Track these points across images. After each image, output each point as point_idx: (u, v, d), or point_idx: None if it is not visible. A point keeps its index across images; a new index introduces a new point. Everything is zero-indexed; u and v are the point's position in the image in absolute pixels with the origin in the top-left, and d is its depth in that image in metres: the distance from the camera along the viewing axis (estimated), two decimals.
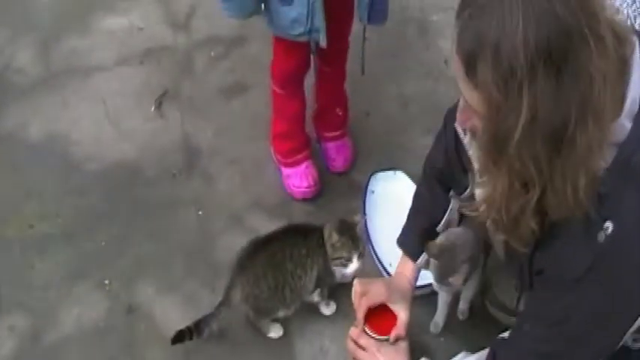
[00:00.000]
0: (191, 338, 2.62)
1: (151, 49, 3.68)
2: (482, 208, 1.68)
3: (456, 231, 2.38)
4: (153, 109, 3.43)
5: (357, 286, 2.37)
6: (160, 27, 3.78)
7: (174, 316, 2.75)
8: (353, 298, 2.38)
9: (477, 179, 1.86)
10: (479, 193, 1.82)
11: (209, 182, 3.16)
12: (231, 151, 3.26)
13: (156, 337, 2.71)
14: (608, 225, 1.53)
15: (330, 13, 2.56)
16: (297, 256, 2.61)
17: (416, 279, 2.44)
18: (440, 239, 2.35)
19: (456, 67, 1.49)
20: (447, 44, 3.51)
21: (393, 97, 3.47)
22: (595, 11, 1.40)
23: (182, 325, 2.64)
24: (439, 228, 2.34)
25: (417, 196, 2.44)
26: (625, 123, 1.53)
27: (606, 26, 1.42)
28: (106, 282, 2.85)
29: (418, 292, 2.54)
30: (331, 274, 2.66)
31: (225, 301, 2.65)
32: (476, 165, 1.81)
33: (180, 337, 2.61)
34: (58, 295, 2.82)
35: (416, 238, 2.38)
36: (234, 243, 2.92)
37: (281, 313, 2.68)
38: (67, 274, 2.87)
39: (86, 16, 3.84)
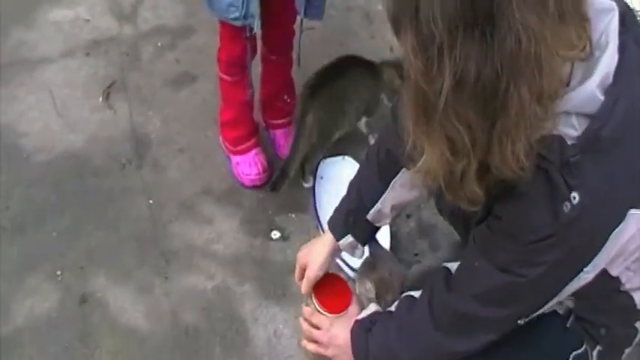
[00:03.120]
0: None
1: (98, 40, 3.67)
2: (421, 176, 1.61)
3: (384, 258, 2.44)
4: (101, 100, 3.42)
5: (299, 258, 2.39)
6: (106, 18, 3.77)
7: (128, 305, 2.77)
8: (296, 272, 2.40)
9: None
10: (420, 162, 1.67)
11: (159, 171, 3.17)
12: (180, 140, 3.28)
13: (110, 326, 2.72)
14: (575, 195, 1.51)
15: (268, 1, 2.61)
16: (355, 85, 2.92)
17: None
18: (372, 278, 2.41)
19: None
20: (391, 33, 3.56)
21: None
22: None
23: (134, 314, 2.68)
24: (369, 216, 2.28)
25: (352, 180, 2.38)
26: (597, 94, 1.49)
27: None
28: (58, 273, 2.85)
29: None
30: (378, 103, 3.05)
31: (300, 129, 2.94)
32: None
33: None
34: (9, 287, 2.81)
35: (341, 217, 2.33)
36: (185, 231, 2.96)
37: (335, 136, 3.05)
38: (19, 266, 2.86)
39: (32, 9, 3.81)
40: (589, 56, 1.49)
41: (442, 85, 1.36)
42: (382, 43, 3.68)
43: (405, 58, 1.44)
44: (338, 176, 3.06)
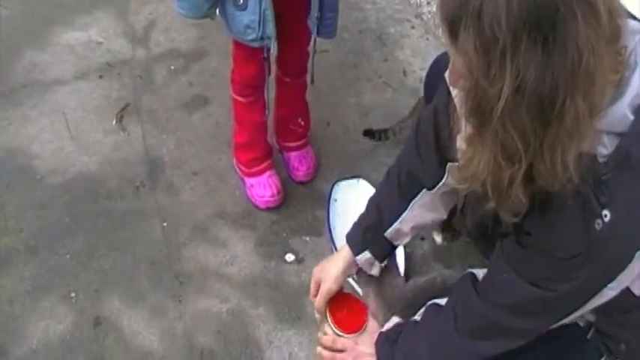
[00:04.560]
0: (379, 139, 3.18)
1: (111, 63, 3.69)
2: (467, 180, 1.62)
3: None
4: (114, 122, 3.42)
5: (314, 274, 2.40)
6: (119, 41, 3.80)
7: (142, 328, 2.75)
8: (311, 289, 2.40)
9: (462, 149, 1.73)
10: (463, 164, 1.70)
11: (172, 194, 3.16)
12: (194, 162, 3.27)
13: (124, 349, 2.70)
14: (606, 213, 1.52)
15: (283, 23, 2.61)
16: None
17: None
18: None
19: (442, 31, 1.47)
20: (404, 55, 3.60)
21: (353, 108, 3.51)
22: None
23: (149, 337, 2.67)
24: (387, 234, 2.29)
25: (372, 197, 2.40)
26: (627, 113, 1.51)
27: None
28: (72, 295, 2.83)
29: None
30: None
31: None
32: (459, 137, 1.74)
33: (370, 134, 3.10)
34: (23, 309, 2.80)
35: (360, 232, 2.33)
36: (199, 254, 2.95)
37: None
38: (33, 288, 2.85)
39: (45, 31, 3.84)
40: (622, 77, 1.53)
41: (502, 89, 1.38)
42: (395, 65, 3.70)
43: (461, 59, 1.45)
44: (352, 199, 3.06)
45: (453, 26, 1.43)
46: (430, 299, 2.16)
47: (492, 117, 1.42)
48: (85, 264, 2.93)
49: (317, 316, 2.44)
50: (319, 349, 2.32)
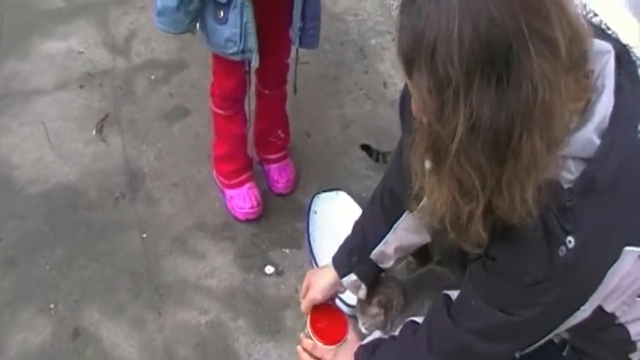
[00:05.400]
0: (377, 160, 3.22)
1: (91, 72, 3.69)
2: (428, 216, 1.63)
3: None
4: (94, 132, 3.42)
5: (307, 277, 2.41)
6: (99, 51, 3.79)
7: (121, 340, 2.75)
8: (302, 291, 2.41)
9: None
10: (424, 200, 1.73)
11: (152, 205, 3.16)
12: (174, 174, 3.27)
13: None
14: (571, 239, 1.50)
15: (264, 36, 2.61)
16: None
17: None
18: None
19: (399, 66, 1.45)
20: (385, 67, 3.62)
21: (333, 119, 3.52)
22: (540, 10, 1.33)
23: (128, 348, 2.68)
24: (372, 256, 2.29)
25: (357, 220, 2.40)
26: (593, 138, 1.49)
27: (558, 27, 1.35)
28: (51, 306, 2.83)
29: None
30: None
31: None
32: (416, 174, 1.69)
33: (368, 150, 3.13)
34: (2, 320, 2.79)
35: (345, 255, 2.33)
36: (179, 265, 2.95)
37: None
38: (12, 299, 2.84)
39: (26, 40, 3.84)
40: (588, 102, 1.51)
41: (456, 129, 1.36)
42: (376, 77, 3.72)
43: (417, 100, 1.44)
44: (332, 211, 3.07)
45: (407, 64, 1.41)
46: None
47: (448, 155, 1.41)
48: (64, 275, 2.92)
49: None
50: (299, 348, 2.33)
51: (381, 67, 3.76)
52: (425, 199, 1.69)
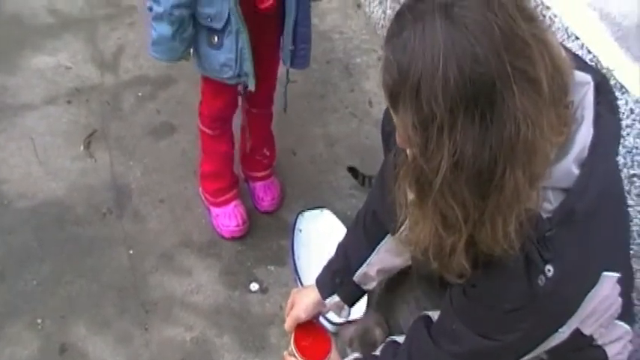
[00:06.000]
0: (362, 184, 3.25)
1: (79, 88, 3.71)
2: (412, 244, 1.65)
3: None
4: (82, 148, 3.45)
5: (291, 294, 2.45)
6: (87, 66, 3.82)
7: (107, 355, 2.77)
8: (286, 309, 2.45)
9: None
10: (408, 230, 1.74)
11: (139, 222, 3.19)
12: (161, 190, 3.31)
13: None
14: (550, 268, 1.53)
15: (257, 58, 2.64)
16: None
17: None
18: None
19: (385, 98, 1.48)
20: (370, 85, 3.66)
21: (319, 137, 3.56)
22: (523, 49, 1.36)
23: None
24: (355, 278, 2.33)
25: (340, 241, 2.43)
26: (572, 169, 1.52)
27: (540, 65, 1.38)
28: (39, 321, 2.85)
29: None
30: None
31: None
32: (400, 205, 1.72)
33: (354, 173, 3.15)
34: None
35: (328, 276, 2.37)
36: (165, 282, 2.98)
37: None
38: None
39: (14, 55, 3.86)
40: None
41: (440, 164, 1.39)
42: (361, 95, 3.76)
43: (401, 133, 1.47)
44: (316, 229, 3.11)
45: (392, 99, 1.44)
46: None
47: (431, 189, 1.44)
48: (51, 290, 2.95)
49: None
50: None
51: (367, 86, 3.81)
52: (407, 224, 1.72)
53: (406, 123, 1.42)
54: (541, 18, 1.46)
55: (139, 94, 3.71)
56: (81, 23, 4.07)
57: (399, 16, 1.45)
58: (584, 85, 1.59)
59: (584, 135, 1.54)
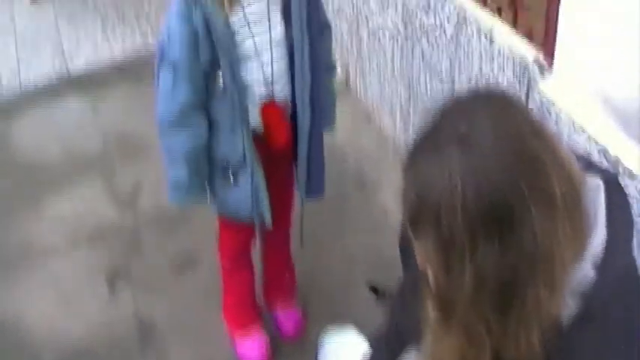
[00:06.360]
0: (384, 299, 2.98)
1: (100, 229, 3.79)
2: None
3: None
4: (105, 288, 3.50)
5: None
6: (106, 207, 3.91)
7: None
8: None
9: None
10: (431, 347, 1.69)
11: (164, 358, 3.21)
12: (185, 327, 3.32)
13: None
14: None
15: (272, 193, 2.70)
16: None
17: None
18: None
19: (406, 225, 1.49)
20: (385, 196, 3.66)
21: (337, 254, 3.58)
22: (537, 168, 1.39)
23: None
24: None
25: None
26: (588, 272, 1.52)
27: (554, 179, 1.40)
28: None
29: None
30: None
31: None
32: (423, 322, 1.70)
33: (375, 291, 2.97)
34: None
35: None
36: None
37: None
38: None
39: (35, 201, 3.96)
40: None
41: (462, 285, 1.40)
42: (376, 207, 3.78)
43: (422, 257, 1.49)
44: (341, 349, 3.08)
45: (413, 227, 1.46)
46: None
47: (454, 308, 1.45)
48: None
49: None
50: None
51: (382, 199, 3.83)
52: (430, 342, 1.73)
53: (427, 248, 1.44)
54: (552, 131, 1.50)
55: (159, 230, 3.77)
56: (97, 163, 4.18)
57: (415, 146, 1.49)
58: (594, 189, 1.60)
59: (599, 238, 1.54)
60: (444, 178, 1.38)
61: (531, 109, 1.47)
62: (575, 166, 1.52)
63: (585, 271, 1.52)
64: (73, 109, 4.63)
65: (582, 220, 1.53)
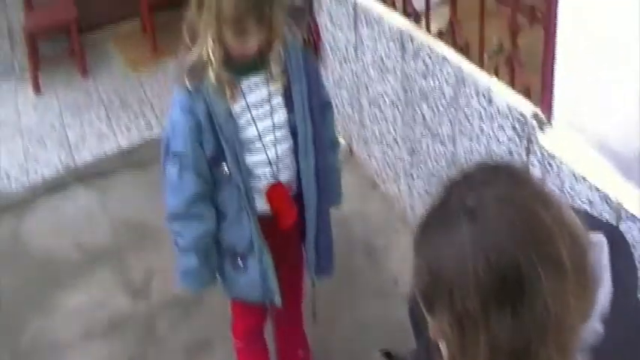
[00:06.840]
0: None
1: (114, 319, 3.80)
2: None
3: None
4: None
5: None
6: (120, 297, 3.93)
7: None
8: None
9: None
10: None
11: None
12: None
13: None
14: None
15: (281, 274, 2.73)
16: None
17: None
18: None
19: (420, 301, 1.50)
20: (394, 264, 3.66)
21: (349, 324, 3.59)
22: (545, 235, 1.41)
23: None
24: None
25: None
26: (597, 328, 1.53)
27: (561, 244, 1.42)
28: None
29: None
30: None
31: None
32: None
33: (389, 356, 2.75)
34: None
35: None
36: None
37: None
38: None
39: (48, 295, 3.99)
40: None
41: (477, 355, 1.42)
42: (386, 275, 3.78)
43: (436, 329, 1.49)
44: None
45: (426, 301, 1.48)
46: None
47: None
48: None
49: None
50: None
51: (390, 264, 3.84)
52: None
53: (442, 323, 1.45)
54: (557, 198, 1.52)
55: (173, 315, 3.78)
56: (108, 254, 4.21)
57: (425, 222, 1.50)
58: (598, 246, 1.61)
59: (605, 294, 1.56)
60: (455, 255, 1.40)
61: (539, 179, 1.49)
62: (581, 228, 1.53)
63: (593, 327, 1.53)
64: (81, 200, 4.68)
65: (590, 280, 1.54)
